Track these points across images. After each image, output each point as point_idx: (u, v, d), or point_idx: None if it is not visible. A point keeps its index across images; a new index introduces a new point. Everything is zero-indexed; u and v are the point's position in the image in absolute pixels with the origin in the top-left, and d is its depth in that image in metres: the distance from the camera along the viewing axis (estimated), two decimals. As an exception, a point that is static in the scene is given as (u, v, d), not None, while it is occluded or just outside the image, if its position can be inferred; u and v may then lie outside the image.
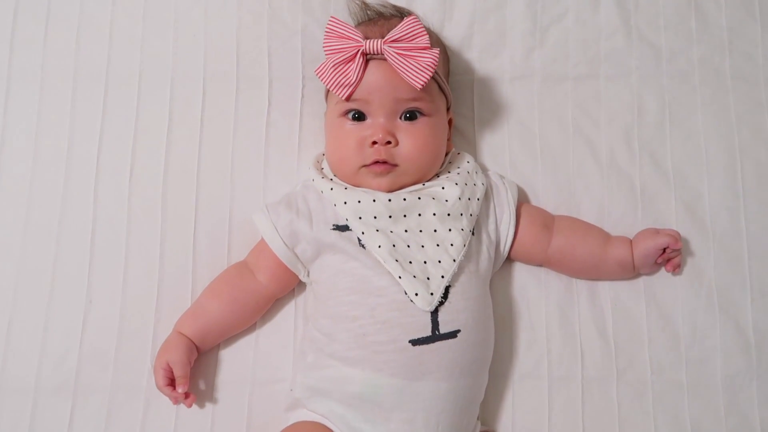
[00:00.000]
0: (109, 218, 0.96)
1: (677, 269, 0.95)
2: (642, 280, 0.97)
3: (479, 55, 1.04)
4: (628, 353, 0.94)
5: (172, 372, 0.86)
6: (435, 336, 0.82)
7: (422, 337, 0.81)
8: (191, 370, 0.88)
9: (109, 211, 0.97)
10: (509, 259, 0.96)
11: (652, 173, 1.00)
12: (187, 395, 0.86)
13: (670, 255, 0.94)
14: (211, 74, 1.02)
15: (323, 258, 0.88)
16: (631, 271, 0.94)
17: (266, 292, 0.91)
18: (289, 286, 0.93)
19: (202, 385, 0.92)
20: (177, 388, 0.85)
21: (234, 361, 0.93)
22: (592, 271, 0.95)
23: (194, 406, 0.90)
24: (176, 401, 0.87)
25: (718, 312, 0.96)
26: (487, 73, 1.04)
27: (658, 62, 1.04)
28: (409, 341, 0.81)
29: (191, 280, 0.94)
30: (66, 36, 1.02)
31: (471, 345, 0.84)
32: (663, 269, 0.96)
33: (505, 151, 1.01)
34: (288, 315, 0.94)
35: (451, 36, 1.04)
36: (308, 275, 0.91)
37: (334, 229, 0.86)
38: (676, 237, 0.93)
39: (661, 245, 0.92)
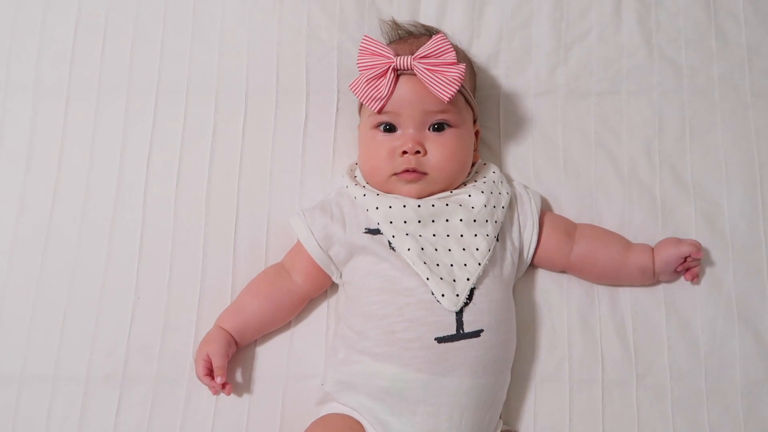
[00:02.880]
0: (157, 221, 1.03)
1: (696, 279, 0.98)
2: (662, 288, 1.00)
3: (505, 72, 1.09)
4: (648, 358, 0.97)
5: (212, 363, 0.91)
6: (459, 335, 0.86)
7: (447, 336, 0.86)
8: (230, 365, 0.93)
9: (157, 215, 1.03)
10: (532, 266, 0.99)
11: (672, 186, 1.03)
12: (224, 385, 0.91)
13: (690, 264, 0.97)
14: (252, 88, 1.08)
15: (355, 260, 0.93)
16: (651, 277, 0.97)
17: (301, 291, 0.96)
18: (323, 286, 0.98)
19: (239, 378, 0.97)
20: (215, 378, 0.90)
21: (269, 357, 0.97)
22: (613, 277, 0.98)
23: (231, 398, 0.95)
24: (215, 391, 0.92)
25: (737, 320, 0.98)
26: (512, 89, 1.08)
27: (678, 79, 1.07)
28: (435, 339, 0.85)
29: (231, 279, 1.00)
30: (121, 52, 1.10)
31: (493, 344, 0.88)
32: (682, 277, 0.99)
33: (529, 163, 1.05)
34: (321, 315, 0.99)
35: (479, 53, 1.09)
36: (341, 277, 0.96)
37: (366, 232, 0.91)
38: (698, 247, 0.96)
39: (684, 253, 0.95)
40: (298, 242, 0.96)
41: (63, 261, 1.02)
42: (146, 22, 1.11)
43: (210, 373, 0.91)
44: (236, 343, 0.95)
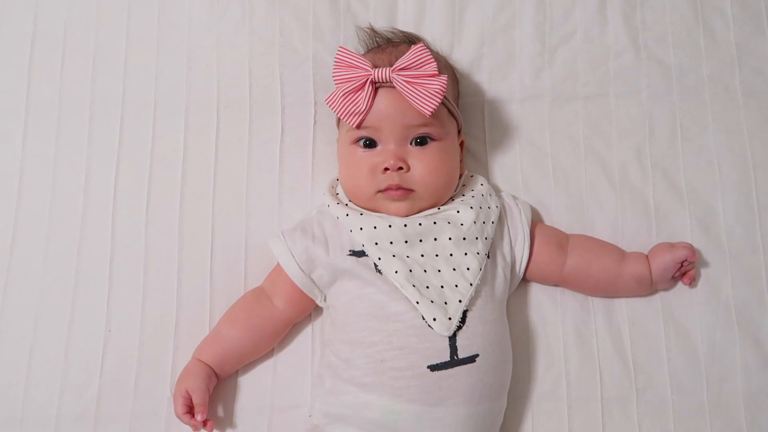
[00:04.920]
0: (127, 247, 0.97)
1: (693, 282, 0.95)
2: (659, 298, 0.97)
3: (489, 77, 1.05)
4: (647, 372, 0.94)
5: (191, 399, 0.86)
6: (453, 361, 0.82)
7: (441, 363, 0.82)
8: (211, 398, 0.89)
9: (126, 240, 0.98)
10: (525, 280, 0.96)
11: (666, 191, 1.00)
12: (205, 422, 0.86)
13: (686, 267, 0.94)
14: (224, 102, 1.03)
15: (340, 283, 0.88)
16: (648, 286, 0.94)
17: (283, 317, 0.92)
18: (306, 310, 0.94)
19: (221, 412, 0.92)
20: (195, 415, 0.86)
21: (253, 388, 0.93)
22: (608, 289, 0.95)
23: (214, 433, 0.90)
24: (196, 429, 0.87)
25: (737, 329, 0.95)
26: (497, 95, 1.04)
27: (667, 80, 1.04)
28: (428, 367, 0.81)
29: (209, 306, 0.95)
30: (82, 67, 1.04)
31: (490, 369, 0.84)
32: (678, 285, 0.96)
33: (517, 172, 1.02)
34: (305, 340, 0.95)
35: (461, 58, 1.05)
36: (325, 300, 0.92)
37: (350, 254, 0.87)
38: (692, 249, 0.93)
39: (680, 258, 0.92)
40: (278, 265, 0.91)
41: (26, 294, 0.96)
42: (108, 36, 1.06)
43: (190, 410, 0.87)
44: (217, 375, 0.90)
